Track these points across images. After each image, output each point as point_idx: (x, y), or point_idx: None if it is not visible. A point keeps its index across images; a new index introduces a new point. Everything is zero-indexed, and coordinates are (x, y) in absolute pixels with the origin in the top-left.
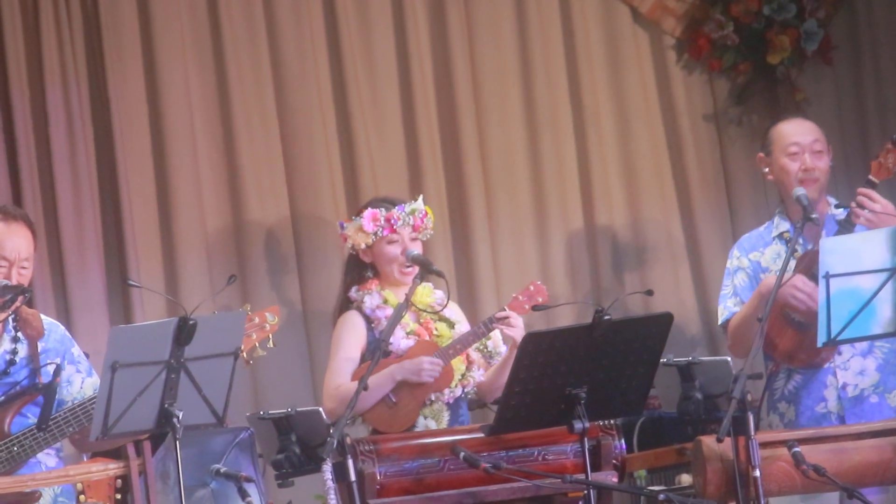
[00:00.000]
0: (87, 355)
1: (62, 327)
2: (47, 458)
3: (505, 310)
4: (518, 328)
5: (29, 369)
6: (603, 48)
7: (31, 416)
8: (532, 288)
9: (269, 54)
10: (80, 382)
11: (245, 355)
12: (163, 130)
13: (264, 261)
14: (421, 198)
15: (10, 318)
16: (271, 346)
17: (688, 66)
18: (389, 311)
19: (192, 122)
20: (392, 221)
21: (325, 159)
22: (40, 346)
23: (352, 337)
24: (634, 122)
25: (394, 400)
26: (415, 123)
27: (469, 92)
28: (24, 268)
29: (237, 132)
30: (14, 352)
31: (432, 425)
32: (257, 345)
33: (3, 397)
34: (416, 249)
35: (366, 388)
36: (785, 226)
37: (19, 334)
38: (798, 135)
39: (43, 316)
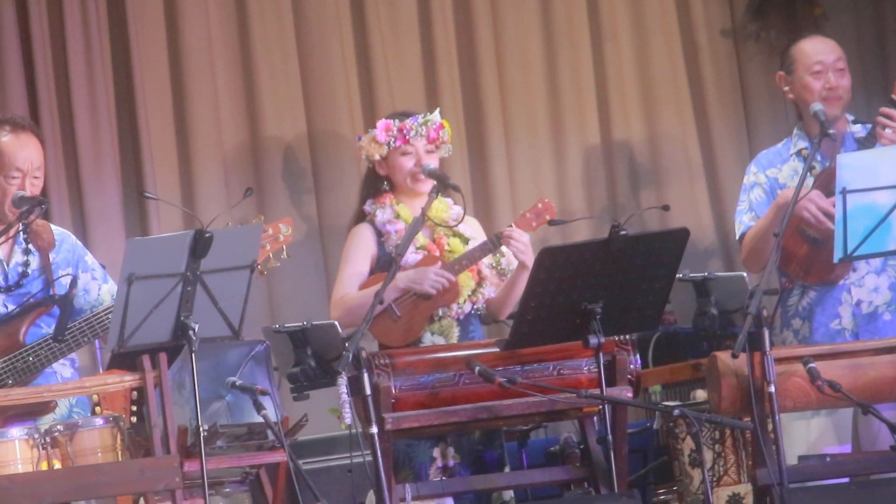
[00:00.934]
0: (103, 267)
1: (73, 236)
2: (63, 369)
3: (512, 226)
4: (521, 246)
5: (42, 280)
6: None
7: (46, 326)
8: (540, 205)
9: None
10: (97, 289)
11: (259, 266)
12: (180, 43)
13: (281, 175)
14: (438, 111)
15: (20, 231)
16: (285, 257)
17: None
18: (400, 226)
19: (210, 34)
20: (405, 131)
21: (342, 74)
22: (52, 257)
23: (361, 250)
24: (652, 37)
25: (398, 314)
26: (432, 37)
27: (487, 6)
28: (36, 177)
29: (254, 45)
30: (26, 263)
31: (440, 341)
32: (271, 255)
33: (17, 309)
34: (433, 163)
35: (381, 303)
36: (803, 143)
37: (30, 246)
38: (821, 53)
39: (53, 226)
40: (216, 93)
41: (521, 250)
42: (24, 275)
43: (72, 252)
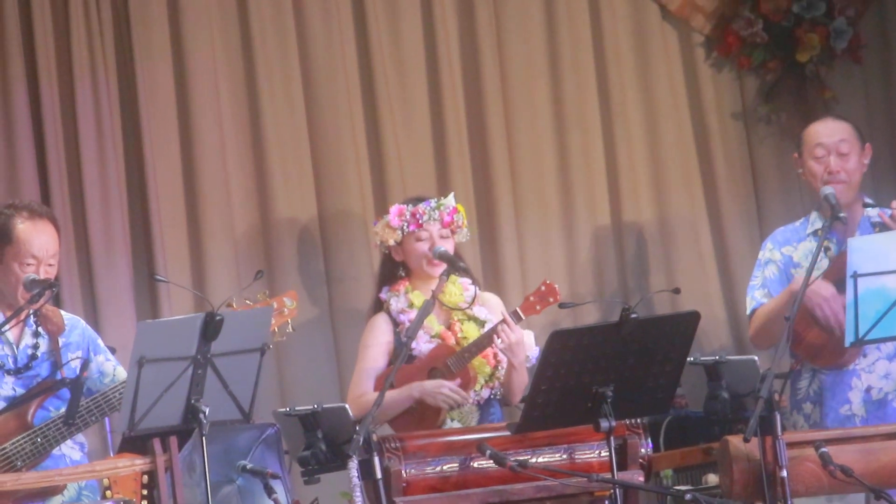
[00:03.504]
0: (113, 350)
1: (83, 322)
2: (72, 452)
3: (515, 311)
4: (505, 346)
5: (50, 363)
6: (632, 45)
7: (53, 408)
8: (543, 288)
9: (297, 49)
10: (113, 370)
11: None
12: (191, 125)
13: (292, 257)
14: (452, 195)
15: (30, 314)
16: (290, 330)
17: (716, 63)
18: (413, 315)
19: (221, 116)
20: (417, 216)
21: (352, 156)
22: (61, 340)
23: (377, 343)
24: (662, 120)
25: (413, 405)
26: (443, 120)
27: (497, 88)
28: (50, 265)
29: (265, 127)
30: (35, 346)
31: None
32: (276, 329)
33: (25, 391)
34: (445, 247)
35: (392, 386)
36: (820, 224)
37: (40, 329)
38: (824, 136)
39: (63, 312)
40: (227, 175)
41: (507, 350)
42: (33, 357)
43: (82, 336)
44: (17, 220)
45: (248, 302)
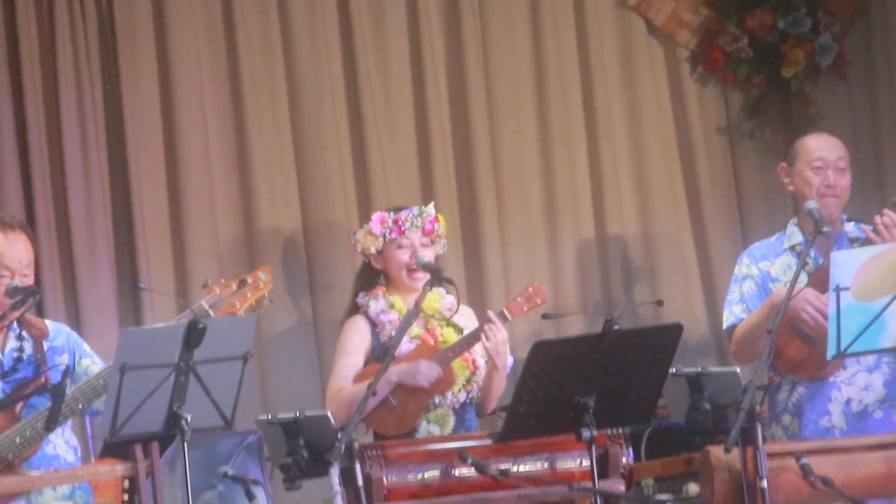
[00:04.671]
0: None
1: (68, 328)
2: (67, 454)
3: (502, 311)
4: (493, 345)
5: (34, 366)
6: (617, 60)
7: (39, 406)
8: (531, 289)
9: (283, 61)
10: (99, 371)
11: (242, 312)
12: (176, 136)
13: (275, 267)
14: (432, 204)
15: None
16: (269, 303)
17: (702, 78)
18: (394, 316)
19: (206, 127)
20: (400, 223)
21: (337, 167)
22: (46, 345)
23: (355, 342)
24: (647, 134)
25: (394, 403)
26: (428, 132)
27: (483, 101)
28: (25, 275)
29: (250, 139)
30: (20, 349)
31: (435, 430)
32: (254, 303)
33: (11, 391)
34: (427, 257)
35: (374, 395)
36: (797, 238)
37: (24, 333)
38: (824, 150)
39: (47, 320)
40: (211, 186)
41: (493, 349)
42: (18, 360)
43: (67, 340)
44: None
45: (222, 281)
